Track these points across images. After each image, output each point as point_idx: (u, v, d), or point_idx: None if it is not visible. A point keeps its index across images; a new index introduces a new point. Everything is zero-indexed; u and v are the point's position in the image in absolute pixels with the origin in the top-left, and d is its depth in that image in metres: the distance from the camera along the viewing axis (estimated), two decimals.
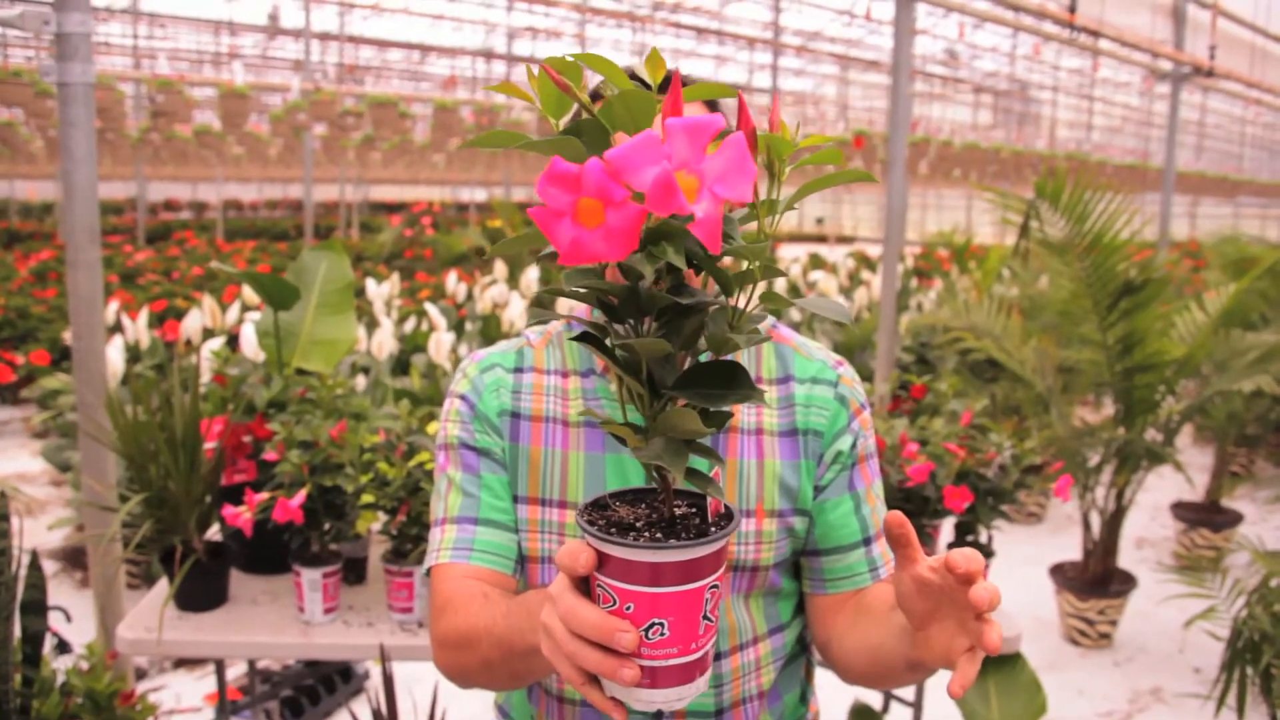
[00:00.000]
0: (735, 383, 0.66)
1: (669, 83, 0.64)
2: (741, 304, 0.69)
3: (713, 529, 0.67)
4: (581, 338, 0.67)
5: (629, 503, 0.74)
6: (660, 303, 0.63)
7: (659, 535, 0.67)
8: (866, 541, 1.10)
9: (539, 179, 0.56)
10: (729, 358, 0.69)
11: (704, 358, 0.69)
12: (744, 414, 1.09)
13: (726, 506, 0.70)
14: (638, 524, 0.69)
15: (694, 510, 0.72)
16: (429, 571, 1.06)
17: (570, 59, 0.64)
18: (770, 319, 1.15)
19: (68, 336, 5.90)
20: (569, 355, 1.12)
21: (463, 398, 1.11)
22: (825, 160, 0.67)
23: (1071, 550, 4.10)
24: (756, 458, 1.07)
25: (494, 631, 0.92)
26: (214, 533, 2.12)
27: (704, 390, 0.66)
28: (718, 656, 1.07)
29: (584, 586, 0.69)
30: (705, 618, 0.67)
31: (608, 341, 0.66)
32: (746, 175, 0.55)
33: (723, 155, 0.55)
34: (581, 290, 0.65)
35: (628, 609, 0.65)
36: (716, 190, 0.54)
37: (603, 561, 0.66)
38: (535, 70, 0.64)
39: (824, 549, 1.10)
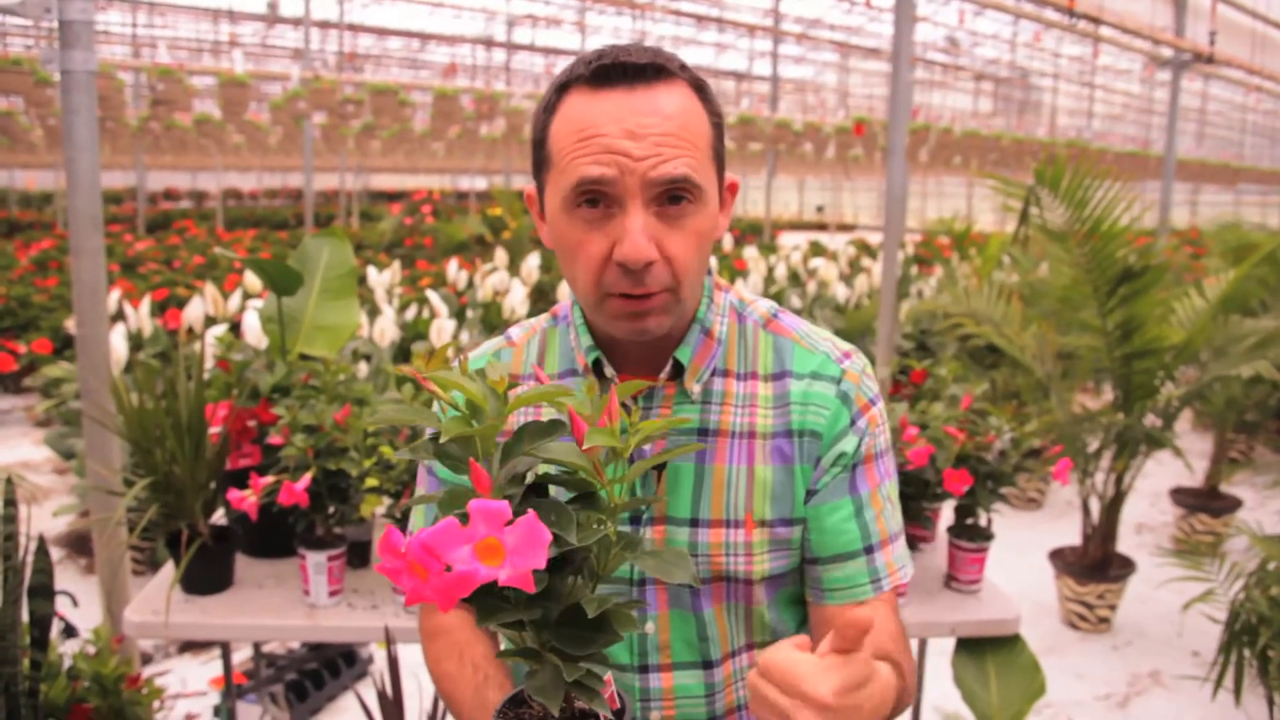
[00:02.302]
0: (604, 628, 0.75)
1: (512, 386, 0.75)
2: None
3: None
4: (474, 601, 0.77)
5: None
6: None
7: None
8: (869, 550, 1.02)
9: (378, 542, 0.66)
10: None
11: None
12: (735, 415, 1.01)
13: (620, 698, 0.80)
14: None
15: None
16: None
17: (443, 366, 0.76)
18: (772, 306, 1.09)
19: (70, 324, 5.90)
20: (549, 354, 1.08)
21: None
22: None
23: (1071, 535, 4.12)
24: (746, 464, 1.00)
25: (460, 711, 0.99)
26: (219, 517, 2.14)
27: (575, 631, 0.74)
28: (708, 664, 1.04)
29: None
30: None
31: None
32: (539, 546, 0.64)
33: (517, 531, 0.64)
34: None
35: None
36: (515, 561, 0.64)
37: None
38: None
39: (822, 557, 1.02)
